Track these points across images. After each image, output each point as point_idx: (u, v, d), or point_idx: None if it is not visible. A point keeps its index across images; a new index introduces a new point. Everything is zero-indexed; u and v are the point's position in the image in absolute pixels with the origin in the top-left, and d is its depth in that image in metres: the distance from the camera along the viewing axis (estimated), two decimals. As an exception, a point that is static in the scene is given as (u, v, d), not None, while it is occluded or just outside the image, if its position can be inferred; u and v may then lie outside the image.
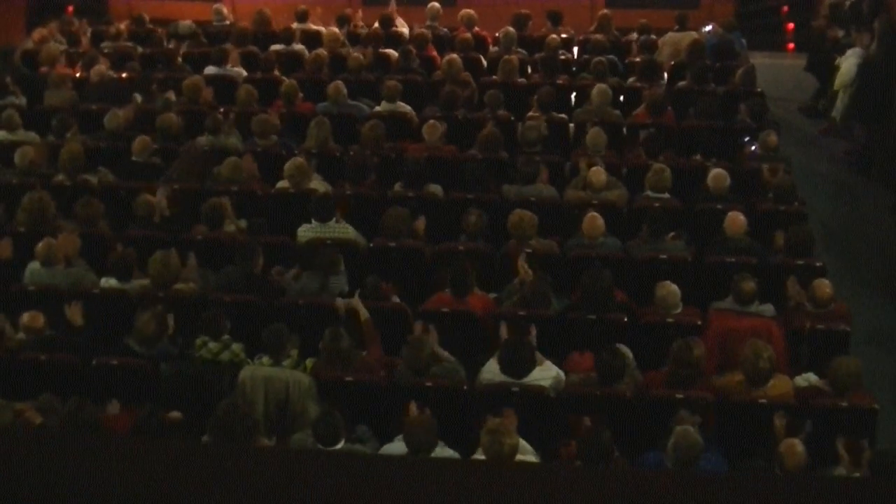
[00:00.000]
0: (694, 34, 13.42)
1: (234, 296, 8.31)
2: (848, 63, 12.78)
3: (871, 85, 12.40)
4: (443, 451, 6.59)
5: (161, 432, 6.63)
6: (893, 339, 9.54)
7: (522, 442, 6.67)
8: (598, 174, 9.82)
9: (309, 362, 7.50)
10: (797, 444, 6.50)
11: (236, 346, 7.67)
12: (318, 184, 9.90)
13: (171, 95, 11.87)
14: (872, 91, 12.39)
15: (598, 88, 11.59)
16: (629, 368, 7.43)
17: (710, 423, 7.09)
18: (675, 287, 8.19)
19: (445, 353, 7.63)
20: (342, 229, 9.14)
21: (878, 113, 12.43)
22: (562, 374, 7.44)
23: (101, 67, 12.31)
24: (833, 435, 6.81)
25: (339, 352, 7.38)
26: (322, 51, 12.85)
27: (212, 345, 7.64)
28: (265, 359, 7.47)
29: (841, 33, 13.70)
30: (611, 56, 12.90)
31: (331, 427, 6.65)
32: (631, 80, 12.58)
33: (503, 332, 7.75)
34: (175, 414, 7.02)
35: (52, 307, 7.96)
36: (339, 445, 6.62)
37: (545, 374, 7.34)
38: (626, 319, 8.06)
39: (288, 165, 9.86)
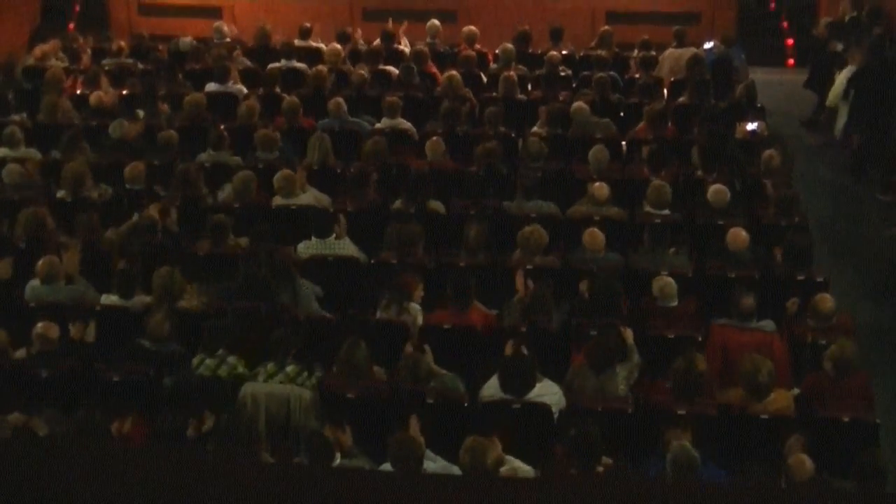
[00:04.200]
0: (694, 50, 13.46)
1: (238, 304, 8.24)
2: (840, 78, 12.94)
3: (866, 93, 12.46)
4: (434, 462, 6.56)
5: (178, 441, 6.61)
6: (893, 342, 9.56)
7: (509, 457, 6.63)
8: (601, 189, 9.82)
9: (314, 379, 7.47)
10: (806, 459, 6.51)
11: (231, 359, 7.64)
12: (313, 196, 9.90)
13: (166, 108, 11.90)
14: (867, 99, 12.45)
15: (576, 106, 11.64)
16: (631, 353, 7.58)
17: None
18: (670, 279, 8.31)
19: (443, 371, 7.60)
20: (342, 245, 9.13)
21: (874, 121, 12.48)
22: (561, 393, 7.41)
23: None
24: (834, 446, 6.81)
25: (355, 363, 7.37)
26: (323, 67, 12.87)
27: (209, 361, 7.63)
28: (270, 366, 7.45)
29: (840, 46, 13.75)
30: (612, 72, 12.94)
31: (323, 446, 6.60)
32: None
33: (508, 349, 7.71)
34: (209, 423, 7.02)
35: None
36: (336, 462, 6.58)
37: (546, 391, 7.31)
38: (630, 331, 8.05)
39: (277, 177, 9.88)
